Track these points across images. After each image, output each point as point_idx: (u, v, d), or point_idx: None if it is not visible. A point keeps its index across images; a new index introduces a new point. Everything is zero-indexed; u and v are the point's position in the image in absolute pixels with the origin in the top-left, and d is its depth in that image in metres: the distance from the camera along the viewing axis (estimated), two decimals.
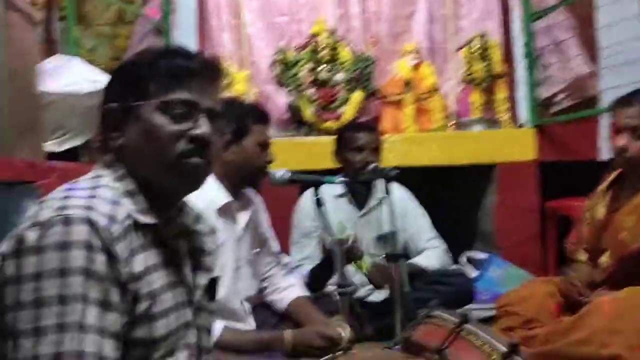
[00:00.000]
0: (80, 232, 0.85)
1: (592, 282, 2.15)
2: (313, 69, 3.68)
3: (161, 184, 0.99)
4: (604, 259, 2.16)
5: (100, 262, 0.85)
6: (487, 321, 2.45)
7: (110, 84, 1.04)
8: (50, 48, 2.50)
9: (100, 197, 0.92)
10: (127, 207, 0.93)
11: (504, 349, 0.98)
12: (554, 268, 3.36)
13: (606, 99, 3.08)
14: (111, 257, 0.86)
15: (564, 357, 1.89)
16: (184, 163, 0.98)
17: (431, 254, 2.79)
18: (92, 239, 0.85)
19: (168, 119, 0.97)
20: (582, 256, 2.27)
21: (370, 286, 2.75)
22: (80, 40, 2.80)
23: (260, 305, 2.14)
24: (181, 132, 0.98)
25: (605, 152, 2.99)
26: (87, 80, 1.93)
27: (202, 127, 0.99)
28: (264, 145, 1.95)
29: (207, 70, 1.02)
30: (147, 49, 1.07)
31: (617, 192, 2.22)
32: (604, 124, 3.03)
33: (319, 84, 3.68)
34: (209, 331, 1.08)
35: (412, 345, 1.11)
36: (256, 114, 1.98)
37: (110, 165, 0.99)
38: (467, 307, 2.59)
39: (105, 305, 0.85)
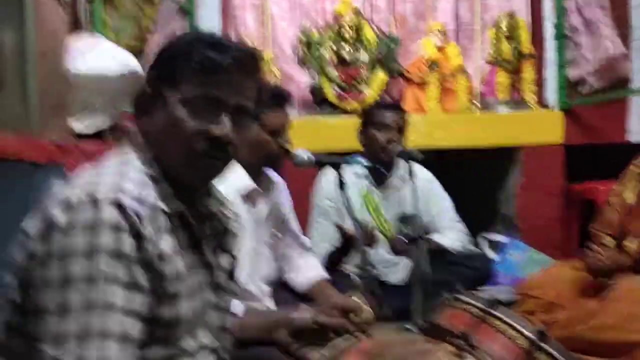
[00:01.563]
0: (108, 214, 0.85)
1: (619, 267, 2.13)
2: (337, 49, 3.66)
3: (180, 175, 0.99)
4: (631, 245, 2.13)
5: (128, 243, 0.86)
6: (507, 305, 2.45)
7: (151, 65, 1.04)
8: (76, 28, 2.51)
9: (129, 178, 0.92)
10: (153, 193, 0.94)
11: (531, 335, 0.98)
12: (575, 252, 3.33)
13: (637, 81, 3.01)
14: (139, 239, 0.87)
15: (586, 342, 1.88)
16: (200, 160, 0.98)
17: (453, 235, 2.79)
18: (120, 221, 0.86)
19: (190, 113, 0.96)
20: (608, 241, 2.24)
21: (390, 266, 2.76)
22: (106, 20, 2.80)
23: (280, 286, 2.16)
24: (200, 129, 0.97)
25: (635, 135, 2.93)
26: (115, 62, 1.94)
27: (223, 126, 0.98)
28: (277, 132, 1.91)
29: (241, 65, 0.99)
30: (187, 34, 1.05)
31: None
32: (635, 105, 2.96)
33: (342, 64, 3.66)
34: (228, 312, 1.10)
35: (436, 329, 1.11)
36: (268, 99, 1.88)
37: (138, 148, 1.00)
38: (485, 289, 2.59)
39: (131, 286, 0.86)
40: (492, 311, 1.05)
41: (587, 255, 2.17)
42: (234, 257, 1.11)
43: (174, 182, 0.98)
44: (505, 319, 1.04)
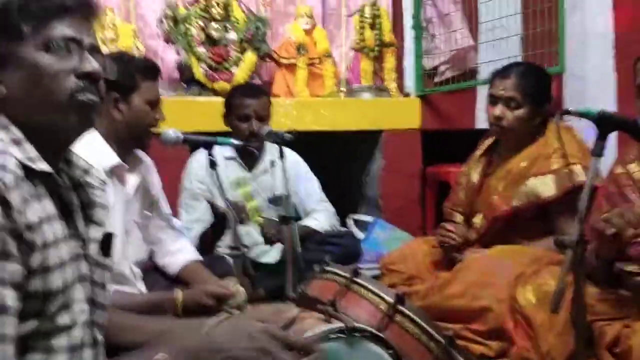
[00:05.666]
0: None
1: (466, 241, 2.33)
2: (204, 27, 3.58)
3: (53, 127, 0.95)
4: (477, 220, 2.35)
5: None
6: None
7: None
8: None
9: None
10: (17, 156, 0.89)
11: (391, 299, 1.06)
12: (432, 229, 3.59)
13: (484, 72, 3.30)
14: (6, 207, 0.83)
15: (441, 310, 2.05)
16: (75, 101, 0.94)
17: (320, 216, 2.88)
18: None
19: (53, 57, 0.93)
20: (458, 218, 2.45)
21: (263, 247, 2.79)
22: None
23: (152, 269, 2.11)
24: (69, 69, 0.94)
25: (481, 122, 3.20)
26: None
27: (90, 63, 0.96)
28: (154, 103, 1.89)
29: (83, 5, 0.97)
30: None
31: (490, 159, 2.41)
32: (482, 95, 3.24)
33: (210, 42, 3.59)
34: (103, 286, 1.06)
35: (306, 299, 1.16)
36: (145, 69, 1.89)
37: None
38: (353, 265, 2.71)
39: (3, 255, 0.81)
40: (356, 279, 1.13)
41: (439, 234, 2.35)
42: (110, 232, 1.07)
43: (37, 145, 0.93)
44: (368, 285, 1.11)
